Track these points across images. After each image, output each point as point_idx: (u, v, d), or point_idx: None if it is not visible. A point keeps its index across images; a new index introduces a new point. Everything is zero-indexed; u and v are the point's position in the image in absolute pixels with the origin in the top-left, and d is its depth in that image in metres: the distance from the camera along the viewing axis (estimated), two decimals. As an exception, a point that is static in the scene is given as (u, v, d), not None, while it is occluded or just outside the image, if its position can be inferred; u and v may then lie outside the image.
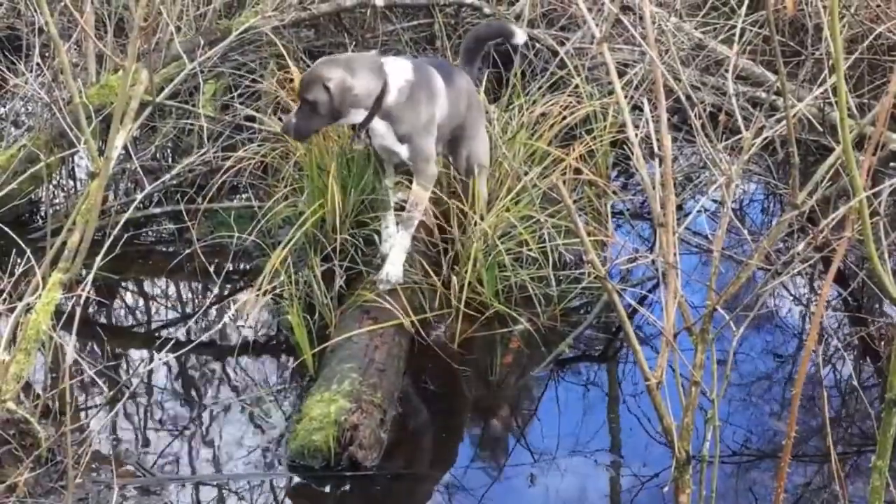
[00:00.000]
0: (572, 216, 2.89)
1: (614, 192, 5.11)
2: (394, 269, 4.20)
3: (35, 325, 3.48)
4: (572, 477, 3.65)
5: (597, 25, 4.34)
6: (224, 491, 3.56)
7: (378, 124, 4.15)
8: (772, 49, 4.35)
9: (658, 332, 3.13)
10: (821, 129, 4.81)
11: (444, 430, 3.90)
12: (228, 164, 4.72)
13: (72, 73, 4.06)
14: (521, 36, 4.76)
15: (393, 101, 4.11)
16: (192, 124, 5.17)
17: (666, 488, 3.15)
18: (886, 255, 2.72)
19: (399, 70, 4.15)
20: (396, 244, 4.24)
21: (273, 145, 4.76)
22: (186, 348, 4.04)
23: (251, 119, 5.17)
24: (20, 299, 3.44)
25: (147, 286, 4.81)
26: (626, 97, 4.26)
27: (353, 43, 5.74)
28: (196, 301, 4.67)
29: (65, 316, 3.80)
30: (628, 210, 5.19)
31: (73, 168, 5.46)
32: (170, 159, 5.53)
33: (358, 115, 4.11)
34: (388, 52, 5.14)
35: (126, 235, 3.90)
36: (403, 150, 4.20)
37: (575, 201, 4.58)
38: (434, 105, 4.23)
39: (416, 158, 4.21)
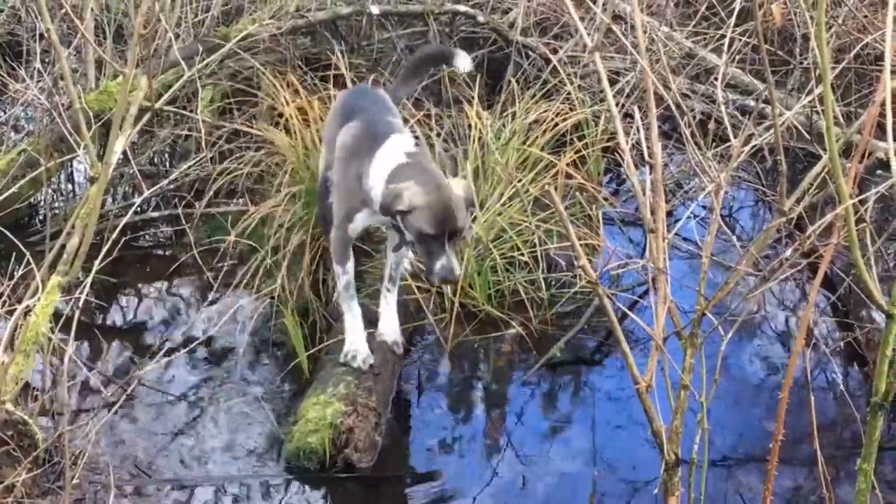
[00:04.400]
0: (564, 223, 2.93)
1: (605, 199, 5.16)
2: (395, 331, 4.08)
3: (34, 327, 3.51)
4: (563, 479, 3.68)
5: (589, 34, 4.39)
6: (220, 492, 3.60)
7: None
8: (760, 58, 4.40)
9: (648, 337, 3.17)
10: (808, 138, 4.86)
11: (438, 433, 3.93)
12: (225, 168, 4.76)
13: (72, 78, 4.09)
14: (463, 61, 4.47)
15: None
16: (189, 130, 5.21)
17: (655, 491, 3.18)
18: (872, 262, 2.75)
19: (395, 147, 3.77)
20: (391, 304, 4.07)
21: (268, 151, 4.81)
22: (183, 351, 4.07)
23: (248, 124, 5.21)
24: (19, 302, 3.47)
25: (145, 289, 4.84)
26: (617, 105, 4.31)
27: (349, 50, 5.79)
28: (193, 304, 4.70)
29: (63, 318, 3.83)
30: (619, 215, 5.23)
31: (72, 172, 5.48)
32: (168, 164, 5.57)
33: None
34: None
35: (124, 239, 3.91)
36: None
37: (567, 207, 4.62)
38: None
39: None
